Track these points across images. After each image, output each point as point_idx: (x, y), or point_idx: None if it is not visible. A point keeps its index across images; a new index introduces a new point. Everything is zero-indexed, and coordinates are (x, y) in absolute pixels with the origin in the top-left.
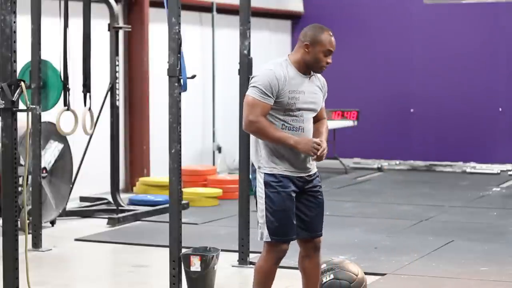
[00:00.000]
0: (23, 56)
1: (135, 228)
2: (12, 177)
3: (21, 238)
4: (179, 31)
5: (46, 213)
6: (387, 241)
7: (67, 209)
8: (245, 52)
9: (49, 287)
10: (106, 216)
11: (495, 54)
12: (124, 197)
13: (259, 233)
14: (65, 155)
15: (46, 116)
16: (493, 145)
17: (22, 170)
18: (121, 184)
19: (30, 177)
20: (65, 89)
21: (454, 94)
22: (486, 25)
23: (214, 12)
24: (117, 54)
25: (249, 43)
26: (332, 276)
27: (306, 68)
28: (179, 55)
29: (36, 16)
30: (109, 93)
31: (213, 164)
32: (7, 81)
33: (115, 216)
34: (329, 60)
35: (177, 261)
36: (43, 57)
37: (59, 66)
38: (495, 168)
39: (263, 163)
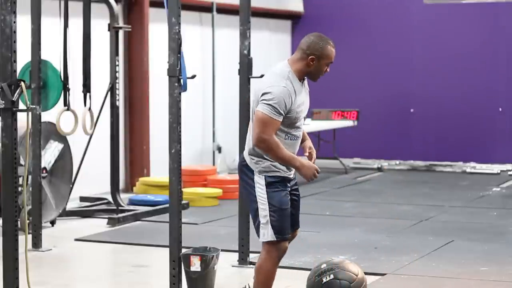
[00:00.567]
0: (23, 56)
1: (135, 228)
2: (12, 177)
3: (21, 238)
4: (179, 31)
5: (46, 213)
6: (387, 241)
7: (67, 209)
8: (245, 52)
9: (49, 287)
10: (106, 216)
11: (495, 54)
12: (124, 197)
13: (261, 233)
14: (65, 155)
15: (46, 116)
16: (493, 145)
17: (22, 170)
18: (121, 184)
19: (30, 177)
20: (65, 89)
21: (454, 94)
22: (486, 25)
23: (214, 12)
24: (117, 54)
25: (249, 43)
26: (332, 276)
27: (303, 76)
28: (179, 55)
29: (36, 16)
30: (109, 93)
31: (213, 164)
32: (7, 81)
33: (115, 216)
34: (328, 70)
35: (177, 261)
36: (43, 57)
37: (59, 66)
38: (495, 168)
39: (265, 168)
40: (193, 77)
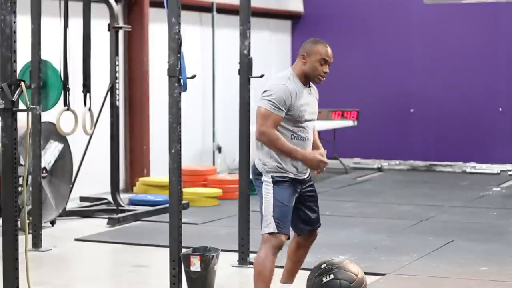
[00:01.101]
0: (23, 56)
1: (135, 228)
2: (12, 177)
3: (21, 238)
4: (179, 31)
5: (46, 213)
6: (387, 241)
7: (67, 209)
8: (245, 52)
9: (49, 287)
10: (106, 216)
11: (495, 54)
12: (124, 197)
13: (263, 226)
14: (65, 155)
15: (46, 116)
16: (493, 145)
17: (22, 170)
18: (121, 184)
19: (30, 177)
20: (65, 89)
21: (454, 94)
22: (486, 25)
23: (214, 12)
24: (117, 54)
25: (249, 43)
26: (332, 276)
27: (306, 79)
28: (179, 55)
29: (36, 16)
30: (109, 93)
31: (213, 164)
32: (7, 81)
33: (115, 216)
34: (326, 70)
35: (177, 261)
36: (43, 57)
37: (59, 66)
38: (495, 168)
39: (272, 168)
40: (193, 77)
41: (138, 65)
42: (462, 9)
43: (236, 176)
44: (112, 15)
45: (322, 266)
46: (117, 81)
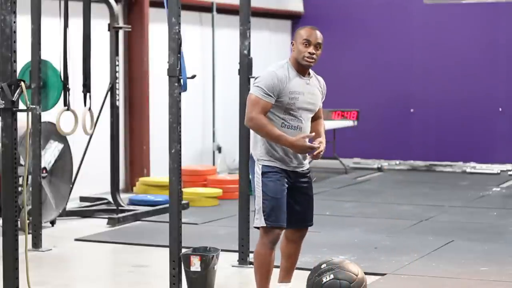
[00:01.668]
0: (23, 56)
1: (135, 228)
2: (12, 177)
3: (21, 238)
4: (179, 31)
5: (46, 213)
6: (387, 241)
7: (67, 209)
8: (245, 52)
9: (49, 287)
10: (106, 216)
11: (496, 54)
12: (124, 197)
13: (255, 219)
14: (65, 155)
15: (46, 116)
16: (493, 145)
17: (22, 170)
18: (121, 184)
19: (30, 177)
20: (65, 89)
21: (454, 94)
22: (486, 25)
23: (214, 12)
24: (117, 54)
25: (249, 43)
26: (332, 276)
27: (299, 66)
28: (179, 55)
29: (36, 16)
30: (109, 93)
31: (213, 164)
32: (7, 81)
33: (115, 216)
34: (310, 50)
35: (177, 261)
36: (43, 57)
37: (59, 66)
38: (495, 168)
39: (262, 156)
40: (193, 77)
41: (138, 65)
42: (462, 9)
43: (236, 176)
44: (112, 15)
45: (322, 266)
46: (117, 81)
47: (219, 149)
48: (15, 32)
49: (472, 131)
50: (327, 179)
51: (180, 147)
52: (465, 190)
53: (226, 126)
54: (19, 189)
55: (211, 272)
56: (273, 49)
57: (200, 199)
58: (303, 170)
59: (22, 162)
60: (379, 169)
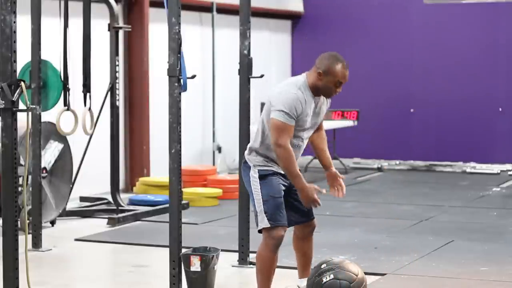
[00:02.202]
0: (23, 56)
1: (135, 228)
2: (12, 177)
3: (21, 238)
4: (179, 31)
5: (46, 213)
6: (387, 241)
7: (67, 209)
8: (245, 52)
9: (49, 287)
10: (106, 216)
11: (496, 54)
12: (124, 197)
13: (258, 222)
14: (65, 155)
15: (46, 116)
16: (493, 145)
17: (22, 170)
18: (121, 184)
19: (30, 177)
20: (65, 89)
21: (454, 94)
22: (486, 25)
23: (214, 12)
24: (117, 54)
25: (249, 43)
26: (332, 276)
27: (316, 91)
28: (179, 55)
29: (36, 16)
30: (109, 93)
31: (213, 164)
32: (7, 81)
33: (115, 216)
34: (339, 90)
35: (177, 261)
36: (43, 57)
37: (59, 66)
38: (495, 168)
39: (258, 162)
40: (193, 77)
41: (138, 65)
42: (462, 9)
43: (236, 176)
44: (112, 15)
45: (322, 266)
46: (117, 81)
47: (219, 149)
48: (15, 32)
49: (472, 131)
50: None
51: (180, 147)
52: (465, 190)
53: (226, 126)
54: (19, 189)
55: (211, 272)
56: (273, 49)
57: (200, 199)
58: None
59: (22, 162)
60: (379, 169)
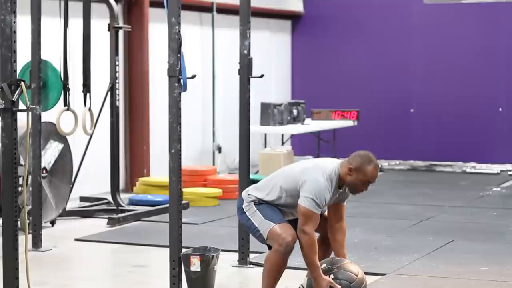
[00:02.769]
0: (23, 56)
1: (135, 228)
2: (12, 177)
3: (21, 238)
4: (179, 31)
5: (46, 213)
6: (387, 241)
7: (67, 209)
8: (245, 52)
9: (49, 287)
10: (106, 216)
11: (495, 54)
12: (124, 197)
13: (266, 238)
14: (65, 155)
15: (46, 116)
16: (493, 145)
17: (22, 170)
18: (121, 184)
19: (30, 177)
20: (65, 89)
21: (454, 94)
22: (486, 25)
23: (214, 12)
24: (117, 54)
25: (249, 43)
26: (332, 276)
27: (342, 184)
28: (179, 55)
29: (36, 16)
30: (109, 93)
31: (213, 164)
32: (7, 81)
33: (115, 216)
34: (366, 189)
35: (177, 261)
36: (43, 57)
37: (59, 66)
38: (495, 168)
39: (264, 198)
40: (193, 77)
41: (138, 65)
42: (462, 9)
43: (236, 176)
44: (112, 15)
45: (322, 266)
46: (117, 81)
47: (219, 149)
48: (15, 32)
49: (472, 131)
50: None
51: (180, 147)
52: (465, 190)
53: (226, 126)
54: (19, 189)
55: (211, 272)
56: (273, 49)
57: (200, 199)
58: None
59: (22, 162)
60: (379, 169)
